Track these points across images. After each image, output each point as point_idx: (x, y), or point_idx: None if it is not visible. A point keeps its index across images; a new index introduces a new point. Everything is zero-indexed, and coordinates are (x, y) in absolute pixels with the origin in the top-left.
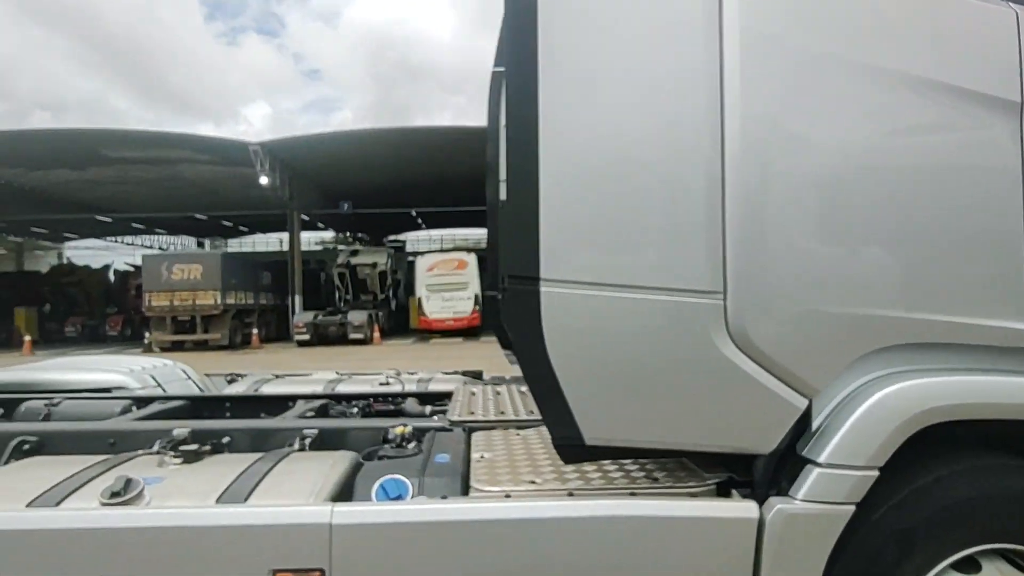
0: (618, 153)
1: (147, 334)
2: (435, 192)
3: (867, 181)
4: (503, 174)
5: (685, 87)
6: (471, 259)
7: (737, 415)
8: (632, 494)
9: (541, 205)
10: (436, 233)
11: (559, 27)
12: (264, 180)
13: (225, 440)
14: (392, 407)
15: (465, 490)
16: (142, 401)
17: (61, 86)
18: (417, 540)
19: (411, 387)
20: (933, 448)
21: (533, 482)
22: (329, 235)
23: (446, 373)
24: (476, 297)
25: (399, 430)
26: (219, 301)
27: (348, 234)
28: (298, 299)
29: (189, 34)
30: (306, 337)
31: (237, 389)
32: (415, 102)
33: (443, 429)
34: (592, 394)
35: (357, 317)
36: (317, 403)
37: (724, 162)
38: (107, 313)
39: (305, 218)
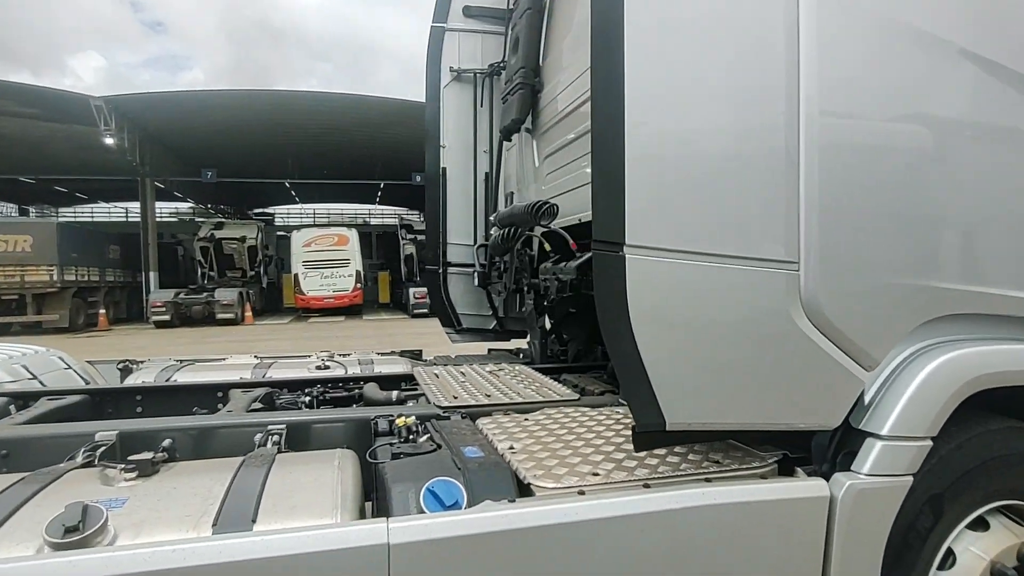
0: (699, 114)
1: None
2: (310, 163)
3: (935, 155)
4: (444, 140)
5: (763, 52)
6: (352, 234)
7: (809, 391)
8: (707, 480)
9: (627, 168)
10: (310, 207)
11: None
12: (109, 141)
13: (165, 443)
14: (344, 393)
15: (523, 489)
16: (22, 398)
17: None
18: (493, 552)
19: (354, 370)
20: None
21: (596, 474)
22: (187, 206)
23: (382, 354)
24: (358, 274)
25: (401, 421)
26: (56, 277)
27: (210, 205)
28: (153, 276)
29: None
30: (166, 317)
31: (142, 379)
32: (277, 66)
33: (440, 417)
34: (675, 374)
35: (226, 295)
36: (258, 392)
37: (800, 128)
38: None
39: (160, 186)
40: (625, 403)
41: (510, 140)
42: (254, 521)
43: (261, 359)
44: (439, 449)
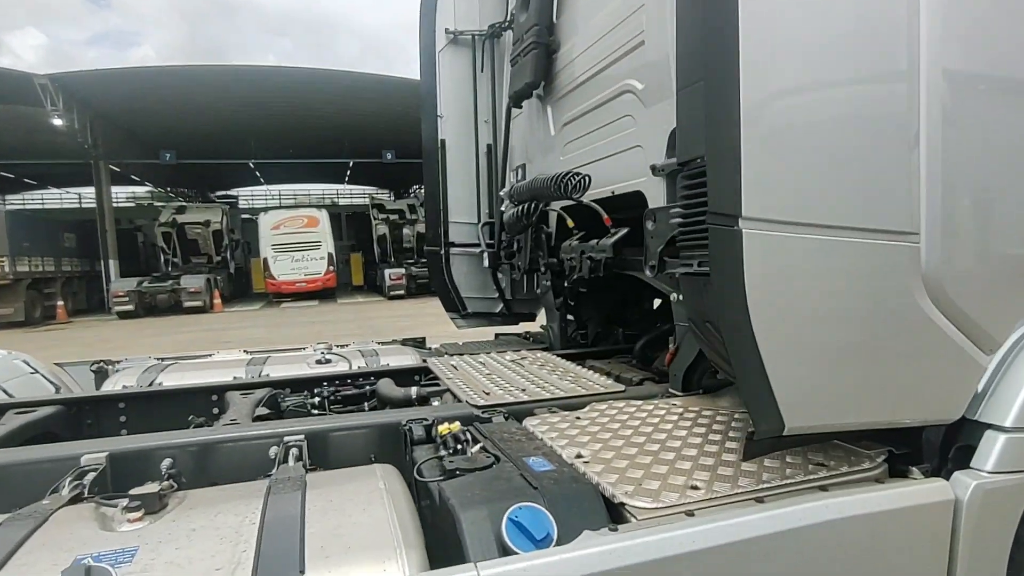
0: (814, 72)
1: None
2: (274, 142)
3: None
4: (441, 110)
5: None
6: (322, 215)
7: (932, 380)
8: (822, 488)
9: (743, 134)
10: (275, 188)
11: None
12: (58, 122)
13: (165, 465)
14: (355, 391)
15: (612, 510)
16: None
17: None
18: None
19: (359, 363)
20: None
21: (694, 487)
22: (145, 190)
23: (384, 343)
24: (330, 256)
25: (444, 428)
26: (8, 269)
27: (169, 189)
28: (113, 264)
29: None
30: (129, 307)
31: (122, 383)
32: (232, 42)
33: (480, 419)
34: (795, 369)
35: (193, 282)
36: (260, 395)
37: (920, 86)
38: None
39: (115, 169)
40: (680, 393)
41: (520, 107)
42: (302, 572)
43: (253, 354)
44: (498, 462)
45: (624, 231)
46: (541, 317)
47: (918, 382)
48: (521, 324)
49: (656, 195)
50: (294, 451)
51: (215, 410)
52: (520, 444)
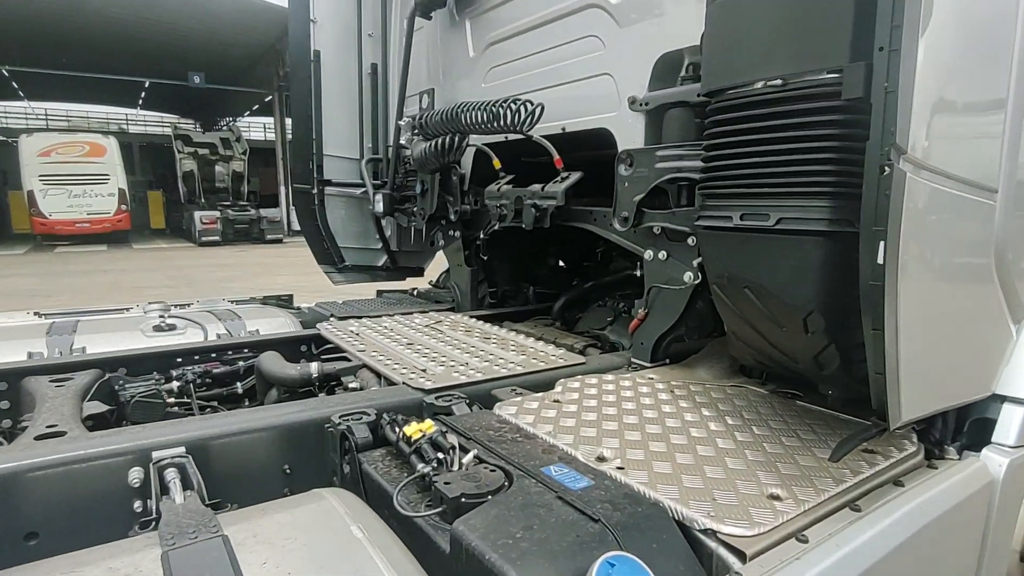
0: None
1: None
2: (41, 47)
3: None
4: (315, 13)
5: None
6: (111, 143)
7: (989, 352)
8: (896, 483)
9: (919, 62)
10: (41, 106)
11: None
12: None
13: None
14: (224, 368)
15: (696, 547)
16: None
17: None
18: None
19: (217, 329)
20: None
21: (775, 497)
22: None
23: (238, 302)
24: (121, 193)
25: (414, 430)
26: None
27: None
28: None
29: None
30: None
31: None
32: None
33: (437, 409)
34: (917, 343)
35: None
36: (82, 380)
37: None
38: None
39: None
40: (648, 364)
41: (428, 18)
42: None
43: (51, 318)
44: (510, 480)
45: (577, 175)
46: (429, 271)
47: (981, 355)
48: (407, 279)
49: (630, 133)
50: (172, 474)
51: (5, 404)
52: (520, 446)
